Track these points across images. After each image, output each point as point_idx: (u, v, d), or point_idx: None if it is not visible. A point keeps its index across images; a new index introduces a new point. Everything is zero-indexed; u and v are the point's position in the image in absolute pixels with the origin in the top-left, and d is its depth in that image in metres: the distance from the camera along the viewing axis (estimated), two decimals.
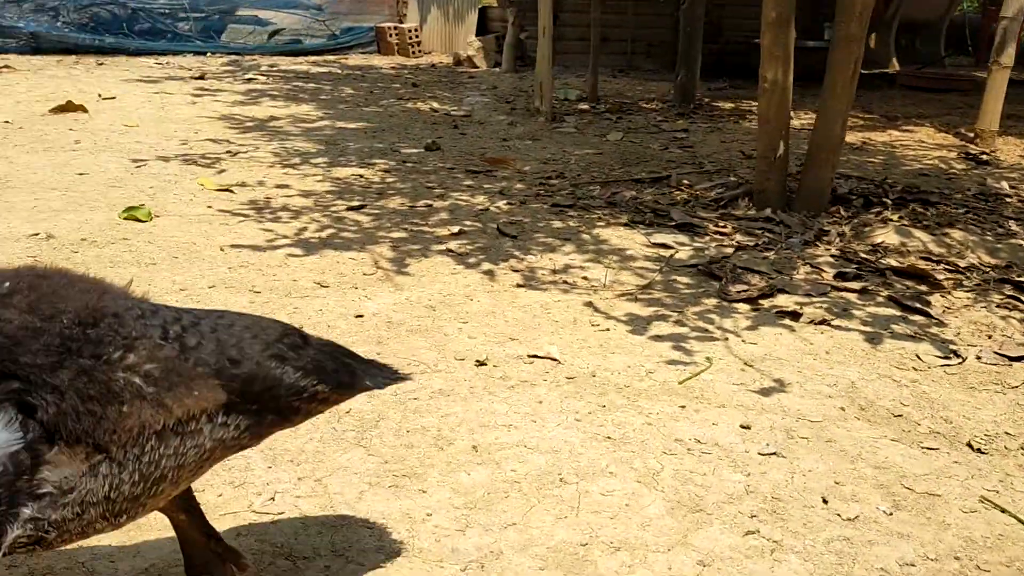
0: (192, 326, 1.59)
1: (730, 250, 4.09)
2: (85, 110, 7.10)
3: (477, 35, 11.64)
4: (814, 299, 3.52)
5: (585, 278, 3.69)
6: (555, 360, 2.87)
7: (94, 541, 1.86)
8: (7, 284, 1.43)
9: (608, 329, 3.16)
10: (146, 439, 1.45)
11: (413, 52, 12.52)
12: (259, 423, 1.62)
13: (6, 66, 9.35)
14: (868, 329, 3.24)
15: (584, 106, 8.42)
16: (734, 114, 8.39)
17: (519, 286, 3.57)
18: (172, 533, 1.86)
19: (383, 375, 1.78)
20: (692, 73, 8.51)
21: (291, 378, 1.63)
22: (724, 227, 4.43)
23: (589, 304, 3.40)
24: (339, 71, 10.92)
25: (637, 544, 1.95)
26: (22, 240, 3.82)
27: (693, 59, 8.43)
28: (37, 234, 3.91)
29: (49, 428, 1.35)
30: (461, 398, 2.60)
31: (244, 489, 2.10)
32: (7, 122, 6.55)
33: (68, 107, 7.10)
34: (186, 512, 1.75)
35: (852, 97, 4.57)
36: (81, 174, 5.08)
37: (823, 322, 3.27)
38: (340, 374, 1.71)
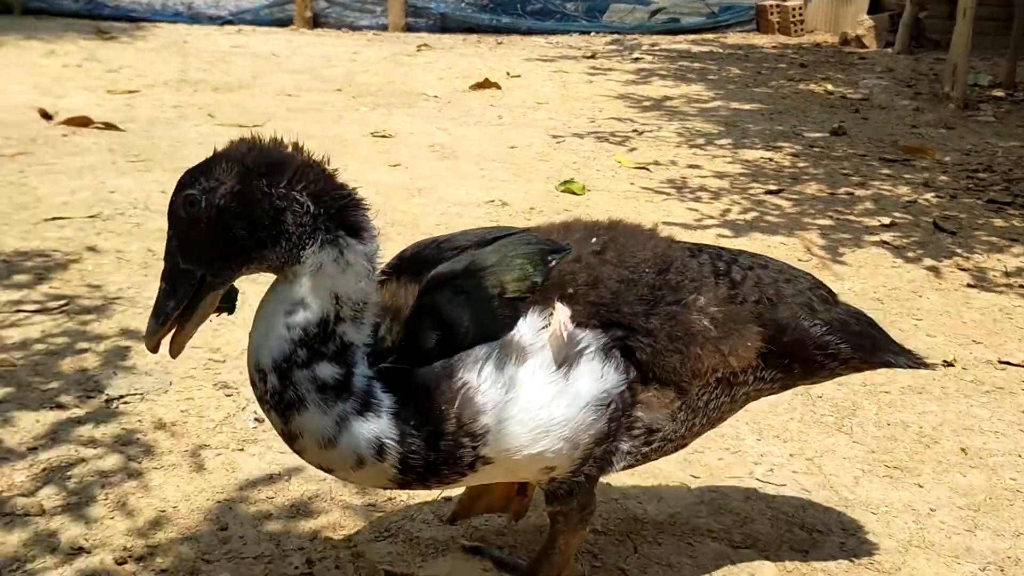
0: (733, 262, 1.66)
1: None
2: (499, 87, 7.76)
3: (868, 13, 11.03)
4: None
5: None
6: None
7: (620, 481, 2.10)
8: (594, 240, 1.58)
9: None
10: (714, 381, 1.59)
11: (795, 31, 12.16)
12: (789, 375, 1.69)
13: (424, 44, 10.44)
14: None
15: (999, 92, 7.71)
16: None
17: (970, 286, 3.41)
18: (691, 483, 2.05)
19: (907, 357, 1.77)
20: None
21: (818, 331, 1.64)
22: None
23: None
24: (720, 50, 10.90)
25: None
26: (482, 205, 4.31)
27: None
28: (492, 200, 4.39)
29: (644, 369, 1.53)
30: (935, 398, 2.57)
31: (740, 457, 2.25)
32: (436, 97, 7.34)
33: (484, 84, 7.80)
34: None
35: None
36: (512, 147, 5.59)
37: None
38: (862, 339, 1.71)
